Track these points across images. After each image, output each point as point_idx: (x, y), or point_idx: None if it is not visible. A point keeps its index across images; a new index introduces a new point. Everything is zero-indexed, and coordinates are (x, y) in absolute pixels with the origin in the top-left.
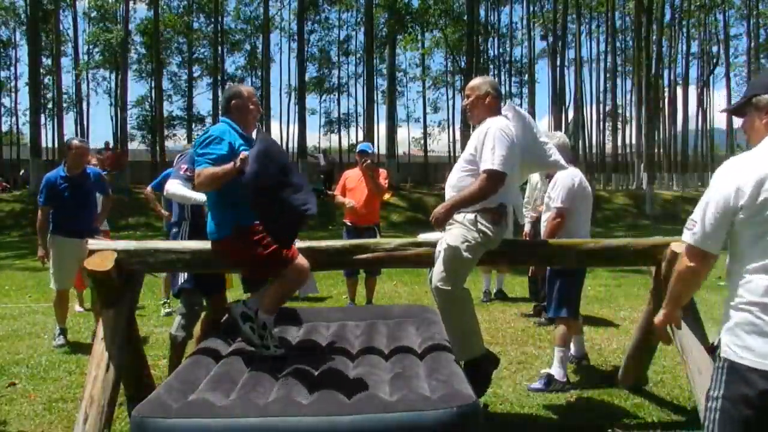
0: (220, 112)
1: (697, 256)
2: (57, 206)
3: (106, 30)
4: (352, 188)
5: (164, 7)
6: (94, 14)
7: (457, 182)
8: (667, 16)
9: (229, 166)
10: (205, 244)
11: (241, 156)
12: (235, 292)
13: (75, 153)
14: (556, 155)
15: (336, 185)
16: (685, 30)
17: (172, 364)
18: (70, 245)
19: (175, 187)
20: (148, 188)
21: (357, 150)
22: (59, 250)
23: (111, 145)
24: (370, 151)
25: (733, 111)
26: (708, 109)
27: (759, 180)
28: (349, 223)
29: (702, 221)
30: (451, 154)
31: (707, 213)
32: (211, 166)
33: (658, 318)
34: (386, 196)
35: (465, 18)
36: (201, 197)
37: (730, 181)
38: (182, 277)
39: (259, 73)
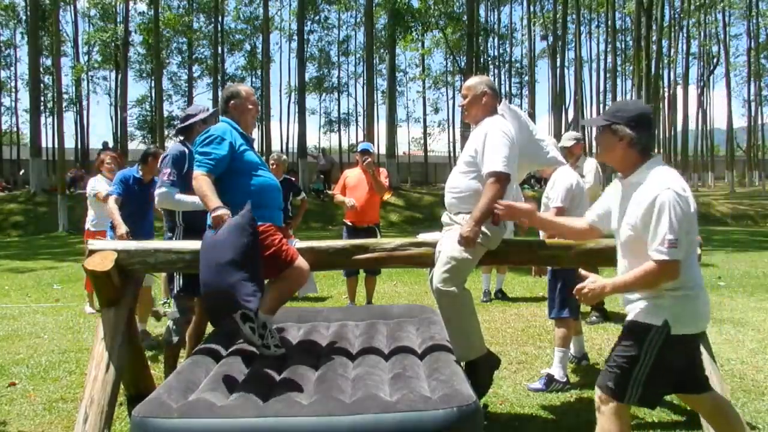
0: (220, 112)
1: (679, 269)
2: (123, 205)
3: (102, 29)
4: (352, 187)
5: (164, 6)
6: (93, 13)
7: (457, 184)
8: (667, 16)
9: (214, 207)
10: None
11: (223, 215)
12: None
13: (154, 161)
14: (553, 152)
15: (334, 184)
16: (685, 30)
17: (167, 368)
18: None
19: (165, 196)
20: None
21: (358, 149)
22: None
23: (110, 144)
24: (371, 151)
25: (591, 126)
26: (708, 109)
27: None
28: (349, 223)
29: (683, 240)
30: (451, 154)
31: (684, 232)
32: (211, 169)
33: (602, 295)
34: (386, 196)
35: (464, 19)
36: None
37: (691, 204)
38: (177, 283)
39: (259, 73)
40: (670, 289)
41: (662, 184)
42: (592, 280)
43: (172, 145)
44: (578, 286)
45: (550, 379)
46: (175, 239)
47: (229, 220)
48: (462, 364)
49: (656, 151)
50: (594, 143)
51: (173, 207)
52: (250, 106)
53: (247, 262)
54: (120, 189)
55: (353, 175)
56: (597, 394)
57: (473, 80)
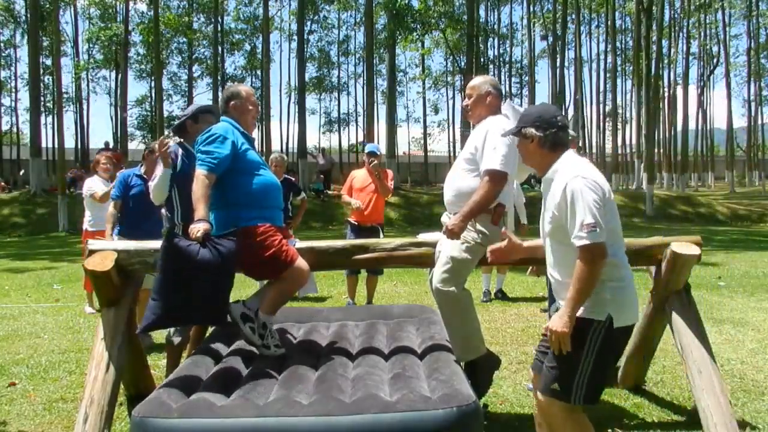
0: (220, 112)
1: (605, 251)
2: (126, 204)
3: (105, 28)
4: (358, 189)
5: (164, 6)
6: (93, 12)
7: (456, 181)
8: (667, 16)
9: (198, 217)
10: None
11: (200, 229)
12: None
13: (150, 155)
14: None
15: (334, 184)
16: (685, 30)
17: (169, 368)
18: None
19: (151, 189)
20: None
21: (366, 151)
22: None
23: (111, 144)
24: (378, 153)
25: (511, 135)
26: (708, 109)
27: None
28: (353, 222)
29: (601, 222)
30: (451, 154)
31: (601, 214)
32: (213, 168)
33: (566, 324)
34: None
35: (464, 19)
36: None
37: (605, 191)
38: None
39: (259, 73)
40: (611, 280)
41: (571, 173)
42: (552, 326)
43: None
44: (549, 343)
45: None
46: None
47: (229, 245)
48: (462, 364)
49: (657, 151)
50: (591, 144)
51: (162, 193)
52: (251, 107)
53: (228, 286)
54: (117, 191)
55: (360, 177)
56: (539, 399)
57: (478, 80)
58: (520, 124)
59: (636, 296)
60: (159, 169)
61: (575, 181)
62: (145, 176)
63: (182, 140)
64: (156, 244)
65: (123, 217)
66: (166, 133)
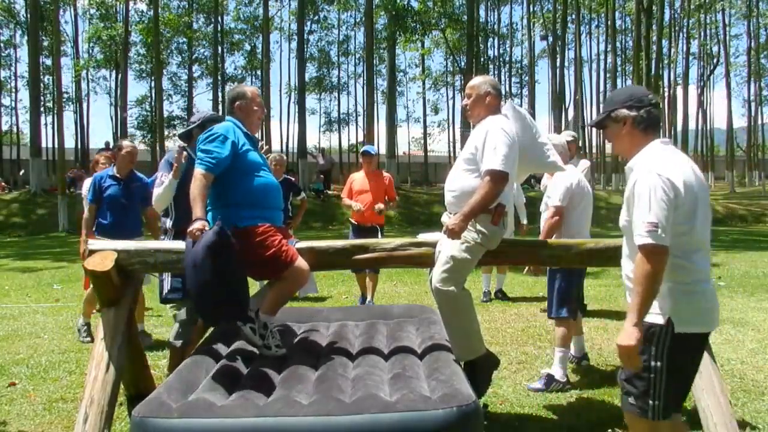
0: (226, 112)
1: (666, 254)
2: (101, 206)
3: (105, 28)
4: (357, 191)
5: (164, 6)
6: (93, 11)
7: (456, 182)
8: (667, 16)
9: (195, 217)
10: None
11: (195, 229)
12: None
13: (125, 154)
14: (554, 156)
15: (334, 184)
16: (685, 30)
17: (170, 369)
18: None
19: (154, 198)
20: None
21: (361, 151)
22: None
23: (111, 144)
24: (373, 153)
25: (595, 125)
26: (708, 109)
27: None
28: (354, 222)
29: (665, 224)
30: (451, 154)
31: (667, 217)
32: (211, 168)
33: (631, 336)
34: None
35: (464, 19)
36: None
37: (679, 189)
38: (167, 284)
39: (259, 73)
40: (676, 282)
41: (645, 168)
42: (618, 341)
43: (173, 148)
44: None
45: (550, 379)
46: None
47: (204, 237)
48: (461, 363)
49: None
50: (591, 144)
51: (164, 203)
52: (256, 108)
53: (225, 281)
54: (91, 195)
55: (358, 179)
56: (625, 418)
57: (477, 80)
58: (607, 108)
59: (709, 303)
60: (167, 179)
61: (647, 177)
62: (118, 175)
63: (186, 145)
64: (156, 244)
65: (102, 219)
66: (166, 133)
